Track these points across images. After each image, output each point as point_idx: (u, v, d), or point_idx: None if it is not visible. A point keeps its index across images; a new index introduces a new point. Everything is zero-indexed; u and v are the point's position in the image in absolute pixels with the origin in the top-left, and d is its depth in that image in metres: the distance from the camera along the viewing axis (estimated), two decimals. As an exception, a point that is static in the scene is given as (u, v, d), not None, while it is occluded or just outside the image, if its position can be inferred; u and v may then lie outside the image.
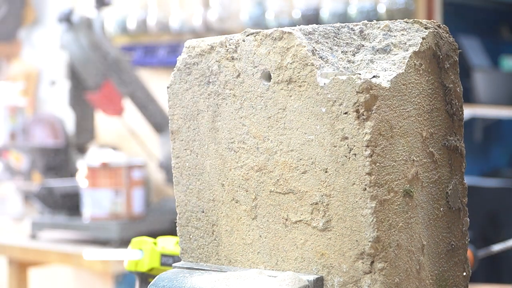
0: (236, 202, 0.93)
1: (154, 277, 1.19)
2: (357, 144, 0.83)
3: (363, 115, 0.83)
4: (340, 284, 0.85)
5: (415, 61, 0.88)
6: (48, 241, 2.73)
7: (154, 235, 2.79)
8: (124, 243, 2.53)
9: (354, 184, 0.84)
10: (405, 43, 0.89)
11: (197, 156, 0.97)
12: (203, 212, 0.97)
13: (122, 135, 3.49)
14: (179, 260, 1.16)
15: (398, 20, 0.92)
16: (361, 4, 3.48)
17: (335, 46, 0.90)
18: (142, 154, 3.12)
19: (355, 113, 0.83)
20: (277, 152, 0.90)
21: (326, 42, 0.90)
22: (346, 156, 0.84)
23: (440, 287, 0.92)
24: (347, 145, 0.84)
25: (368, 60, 0.89)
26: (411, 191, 0.87)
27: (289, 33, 0.88)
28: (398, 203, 0.85)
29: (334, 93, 0.85)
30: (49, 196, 2.75)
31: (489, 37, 4.68)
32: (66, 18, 3.05)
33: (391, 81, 0.85)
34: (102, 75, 2.89)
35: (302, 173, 0.88)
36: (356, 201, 0.84)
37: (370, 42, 0.91)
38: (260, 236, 0.91)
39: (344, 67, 0.88)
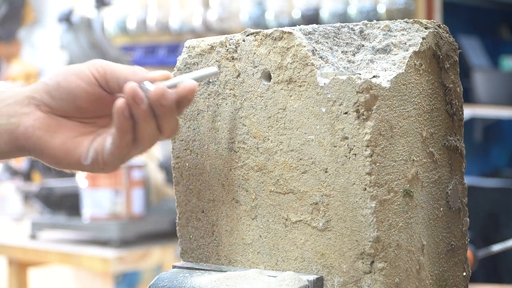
0: (236, 202, 0.93)
1: None
2: (357, 144, 0.83)
3: (363, 115, 0.83)
4: (340, 284, 0.85)
5: (415, 61, 0.88)
6: (48, 241, 2.73)
7: (154, 235, 2.78)
8: (124, 243, 2.53)
9: (354, 184, 0.84)
10: (405, 43, 0.89)
11: (197, 156, 0.97)
12: (203, 212, 0.97)
13: (122, 135, 3.48)
14: None
15: (398, 20, 0.92)
16: (361, 4, 3.48)
17: (335, 46, 0.90)
18: (142, 154, 3.12)
19: (355, 113, 0.83)
20: (277, 152, 0.90)
21: (326, 42, 0.90)
22: (346, 156, 0.84)
23: (440, 287, 0.92)
24: (347, 145, 0.84)
25: (368, 60, 0.89)
26: (411, 191, 0.87)
27: (289, 33, 0.88)
28: (398, 203, 0.85)
29: (334, 93, 0.85)
30: (49, 196, 2.75)
31: (489, 37, 4.68)
32: (66, 18, 3.05)
33: (391, 81, 0.85)
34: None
35: (302, 173, 0.88)
36: (356, 201, 0.84)
37: (370, 42, 0.91)
38: (260, 236, 0.91)
39: (344, 67, 0.88)
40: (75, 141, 0.88)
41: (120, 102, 0.85)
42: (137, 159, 2.60)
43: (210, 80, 0.95)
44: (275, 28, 0.90)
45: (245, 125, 0.92)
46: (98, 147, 0.87)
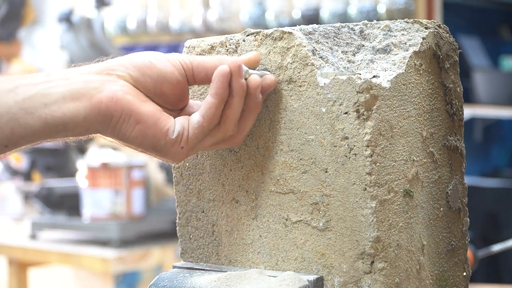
0: (236, 202, 0.93)
1: None
2: (357, 144, 0.83)
3: (363, 115, 0.83)
4: (340, 284, 0.85)
5: (415, 61, 0.88)
6: (48, 241, 2.73)
7: (154, 235, 2.78)
8: (124, 243, 2.53)
9: (354, 184, 0.84)
10: (405, 43, 0.89)
11: (197, 156, 0.97)
12: (203, 212, 0.97)
13: (122, 135, 3.47)
14: None
15: (398, 20, 0.92)
16: (361, 4, 3.48)
17: (335, 46, 0.90)
18: (142, 154, 3.12)
19: (355, 113, 0.83)
20: (277, 152, 0.90)
21: (326, 42, 0.90)
22: (346, 156, 0.84)
23: (440, 287, 0.92)
24: (347, 145, 0.84)
25: (368, 60, 0.89)
26: (411, 191, 0.87)
27: (289, 33, 0.88)
28: (398, 203, 0.85)
29: (334, 93, 0.85)
30: (49, 196, 2.75)
31: (489, 37, 4.68)
32: (66, 18, 3.05)
33: (391, 81, 0.85)
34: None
35: (302, 173, 0.88)
36: (356, 201, 0.84)
37: (370, 42, 0.91)
38: (260, 236, 0.91)
39: (344, 67, 0.88)
40: (164, 113, 0.87)
41: (224, 67, 0.86)
42: (137, 159, 2.61)
43: None
44: (275, 28, 0.90)
45: (245, 125, 0.92)
46: (185, 122, 0.87)
